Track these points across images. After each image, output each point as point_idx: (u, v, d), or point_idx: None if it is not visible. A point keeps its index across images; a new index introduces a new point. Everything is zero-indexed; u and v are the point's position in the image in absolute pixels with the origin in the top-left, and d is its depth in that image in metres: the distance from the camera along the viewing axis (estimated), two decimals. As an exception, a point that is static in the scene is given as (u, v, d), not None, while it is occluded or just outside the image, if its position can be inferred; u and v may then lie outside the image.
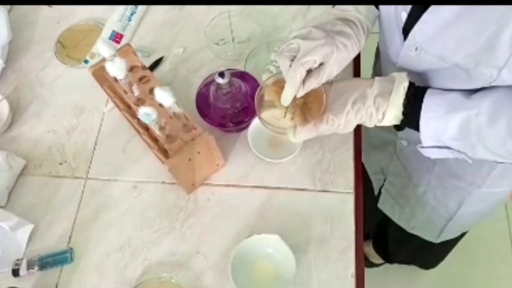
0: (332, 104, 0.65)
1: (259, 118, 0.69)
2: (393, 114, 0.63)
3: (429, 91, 0.62)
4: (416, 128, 0.63)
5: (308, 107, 0.68)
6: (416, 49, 0.63)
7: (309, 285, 0.75)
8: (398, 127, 0.66)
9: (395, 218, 1.15)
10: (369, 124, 0.65)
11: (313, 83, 0.64)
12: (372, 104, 0.63)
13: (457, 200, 0.91)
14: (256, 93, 0.70)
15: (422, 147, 0.65)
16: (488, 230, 1.62)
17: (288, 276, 0.73)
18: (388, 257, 1.57)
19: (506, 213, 1.69)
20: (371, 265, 1.62)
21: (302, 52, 0.63)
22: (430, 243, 1.16)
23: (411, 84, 0.63)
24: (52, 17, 1.08)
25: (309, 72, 0.64)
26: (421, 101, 0.61)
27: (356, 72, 0.94)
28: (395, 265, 1.60)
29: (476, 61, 0.56)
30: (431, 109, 0.61)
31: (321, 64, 0.64)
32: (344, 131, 0.66)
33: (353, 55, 0.68)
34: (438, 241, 1.13)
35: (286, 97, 0.64)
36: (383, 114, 0.63)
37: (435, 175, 0.88)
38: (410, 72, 0.66)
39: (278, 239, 0.74)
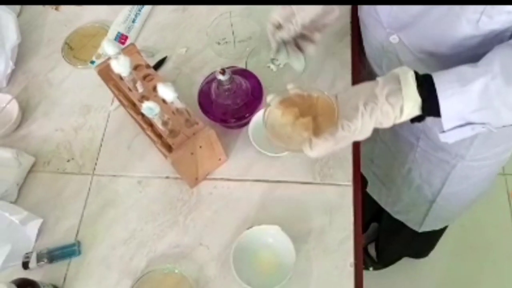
0: (343, 112, 0.64)
1: (270, 139, 0.67)
2: (411, 105, 0.61)
3: (434, 73, 0.62)
4: (437, 112, 0.62)
5: (318, 122, 0.66)
6: None
7: (309, 274, 0.77)
8: (419, 118, 0.64)
9: (382, 202, 1.18)
10: (387, 123, 0.63)
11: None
12: (386, 103, 0.62)
13: (441, 176, 0.93)
14: (262, 115, 0.69)
15: (443, 131, 0.64)
16: (492, 227, 1.63)
17: (288, 266, 0.75)
18: (380, 256, 1.58)
19: (511, 211, 1.70)
20: (377, 267, 1.64)
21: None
22: (417, 234, 1.17)
23: (415, 73, 0.63)
24: (59, 20, 1.12)
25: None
26: (433, 83, 0.61)
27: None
28: (399, 265, 1.61)
29: None
30: (446, 87, 0.60)
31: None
32: (361, 137, 0.64)
33: None
34: (421, 229, 1.15)
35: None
36: (401, 110, 0.62)
37: (420, 150, 0.91)
38: (403, 26, 0.67)
39: (278, 229, 0.76)
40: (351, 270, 0.77)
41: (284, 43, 0.81)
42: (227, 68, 0.83)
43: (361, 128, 0.63)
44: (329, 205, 0.82)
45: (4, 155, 0.90)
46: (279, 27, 0.78)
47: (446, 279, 1.60)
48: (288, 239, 0.76)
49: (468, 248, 1.62)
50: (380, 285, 1.58)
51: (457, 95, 0.60)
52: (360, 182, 0.85)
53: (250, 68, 0.94)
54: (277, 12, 0.77)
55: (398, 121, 0.63)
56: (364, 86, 0.65)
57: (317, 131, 0.64)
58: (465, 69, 0.61)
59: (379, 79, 0.64)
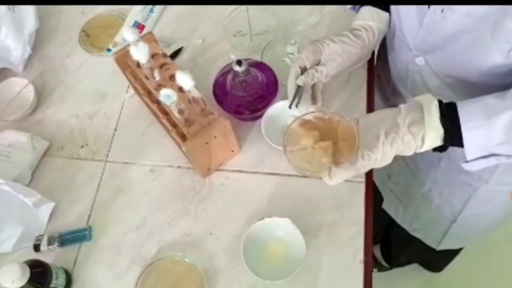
0: (364, 140, 0.63)
1: (289, 162, 0.66)
2: (433, 135, 0.61)
3: (459, 103, 0.61)
4: (460, 143, 0.60)
5: (338, 147, 0.65)
6: (442, 11, 0.62)
7: (318, 268, 0.77)
8: (441, 148, 0.63)
9: (399, 219, 1.14)
10: (408, 152, 0.63)
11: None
12: (407, 132, 0.61)
13: (463, 198, 0.91)
14: (283, 137, 0.68)
15: (466, 161, 0.63)
16: (503, 235, 1.61)
17: (298, 259, 0.75)
18: (390, 259, 1.57)
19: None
20: (382, 268, 1.63)
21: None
22: (431, 249, 1.14)
23: (439, 101, 0.62)
24: (77, 7, 1.12)
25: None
26: (457, 114, 0.60)
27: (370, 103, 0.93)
28: (406, 268, 1.60)
29: (503, 11, 0.55)
30: (470, 119, 0.59)
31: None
32: (381, 164, 0.65)
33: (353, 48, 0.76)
34: (439, 248, 1.12)
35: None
36: (422, 139, 0.61)
37: (441, 171, 0.89)
38: (430, 49, 0.66)
39: (289, 222, 0.76)
40: (360, 267, 0.77)
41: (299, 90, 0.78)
42: (244, 59, 0.83)
43: (381, 157, 0.63)
44: (340, 201, 0.82)
45: (19, 139, 0.91)
46: (303, 70, 0.77)
47: (451, 281, 1.59)
48: (299, 232, 0.76)
49: (474, 248, 1.61)
50: (386, 284, 1.57)
51: (482, 128, 0.58)
52: (372, 178, 0.84)
53: (265, 61, 0.94)
54: (306, 56, 0.76)
55: (420, 150, 0.63)
56: (386, 113, 0.65)
57: (336, 157, 0.64)
58: (491, 101, 0.59)
59: (401, 106, 0.64)
